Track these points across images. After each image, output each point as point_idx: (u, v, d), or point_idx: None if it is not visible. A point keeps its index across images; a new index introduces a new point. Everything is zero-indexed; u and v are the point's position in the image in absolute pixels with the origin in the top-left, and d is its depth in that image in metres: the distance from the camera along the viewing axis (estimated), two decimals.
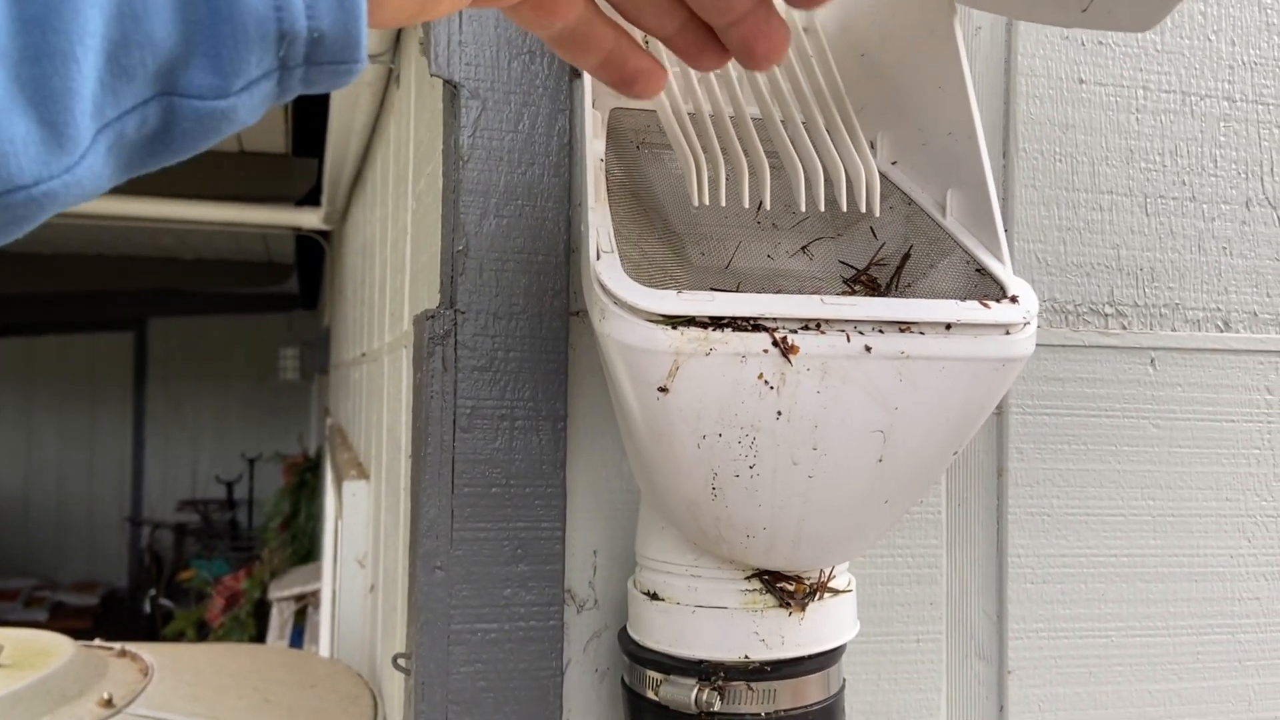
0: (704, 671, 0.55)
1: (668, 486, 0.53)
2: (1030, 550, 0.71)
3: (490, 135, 0.62)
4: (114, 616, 6.28)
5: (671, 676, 0.55)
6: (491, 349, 0.61)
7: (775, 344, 0.48)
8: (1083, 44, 0.72)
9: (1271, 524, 0.75)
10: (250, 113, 0.27)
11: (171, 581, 6.07)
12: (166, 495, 7.15)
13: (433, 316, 0.61)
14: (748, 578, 0.55)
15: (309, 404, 6.18)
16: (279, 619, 3.09)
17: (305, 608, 3.12)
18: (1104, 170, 0.73)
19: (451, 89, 0.62)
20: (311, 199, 3.23)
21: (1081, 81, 0.72)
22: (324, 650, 2.12)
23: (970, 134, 0.57)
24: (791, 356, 0.48)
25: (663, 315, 0.48)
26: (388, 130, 1.59)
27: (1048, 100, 0.72)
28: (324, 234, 3.87)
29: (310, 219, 3.25)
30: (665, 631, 0.56)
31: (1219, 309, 0.75)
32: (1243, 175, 0.75)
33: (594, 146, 0.55)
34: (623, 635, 0.60)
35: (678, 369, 0.48)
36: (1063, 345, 0.72)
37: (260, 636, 3.23)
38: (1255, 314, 0.75)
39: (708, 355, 0.48)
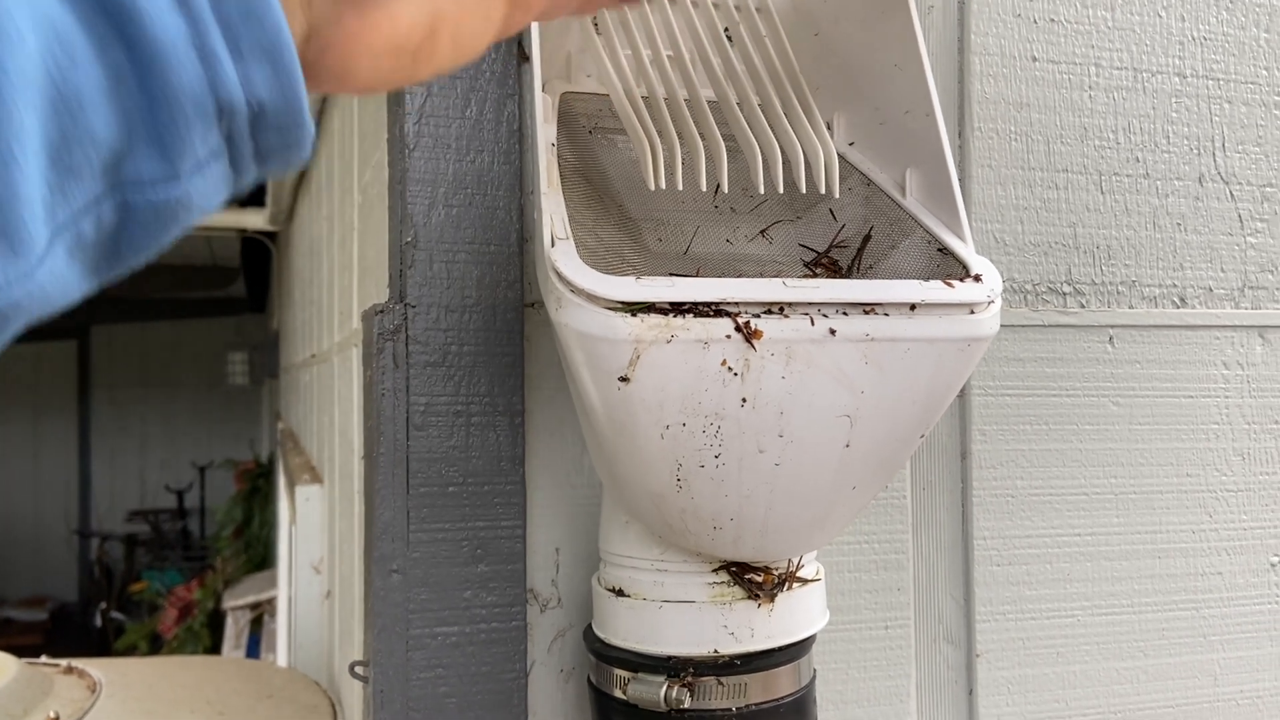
0: (673, 668, 0.53)
1: (631, 479, 0.51)
2: (995, 532, 0.71)
3: (436, 122, 0.60)
4: (64, 631, 6.13)
5: (640, 674, 0.54)
6: (444, 343, 0.59)
7: (738, 329, 0.47)
8: (1035, 22, 0.72)
9: (1232, 498, 0.75)
10: (206, 198, 0.27)
11: (123, 594, 5.94)
12: (115, 506, 6.98)
13: (382, 311, 0.58)
14: (715, 570, 0.54)
15: (260, 409, 6.07)
16: (234, 628, 3.03)
17: (261, 616, 3.06)
18: (1059, 148, 0.72)
19: None
20: (256, 200, 3.16)
21: (1034, 59, 0.72)
22: (281, 659, 2.07)
23: (928, 111, 0.56)
24: (755, 341, 0.47)
25: (622, 302, 0.46)
26: (331, 124, 1.55)
27: (1002, 79, 0.71)
28: (270, 235, 3.79)
29: (255, 220, 3.18)
30: (632, 628, 0.55)
31: (1175, 285, 0.75)
32: (1195, 151, 0.75)
33: (545, 131, 0.53)
34: (588, 634, 0.58)
35: (639, 357, 0.46)
36: (1023, 325, 0.71)
37: (215, 647, 3.17)
38: (1210, 289, 0.76)
39: (669, 342, 0.46)
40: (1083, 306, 0.73)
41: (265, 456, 4.70)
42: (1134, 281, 0.74)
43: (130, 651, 3.71)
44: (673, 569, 0.54)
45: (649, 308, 0.46)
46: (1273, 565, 0.76)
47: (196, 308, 6.36)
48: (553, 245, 0.48)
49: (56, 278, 0.24)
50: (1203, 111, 0.76)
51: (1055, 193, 0.72)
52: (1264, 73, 0.77)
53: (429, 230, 0.59)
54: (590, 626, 0.58)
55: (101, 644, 5.11)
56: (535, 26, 0.53)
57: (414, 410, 0.58)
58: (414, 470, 0.58)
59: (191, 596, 3.39)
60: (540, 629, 0.62)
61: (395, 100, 0.60)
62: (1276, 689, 0.76)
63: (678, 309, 0.47)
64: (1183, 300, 0.75)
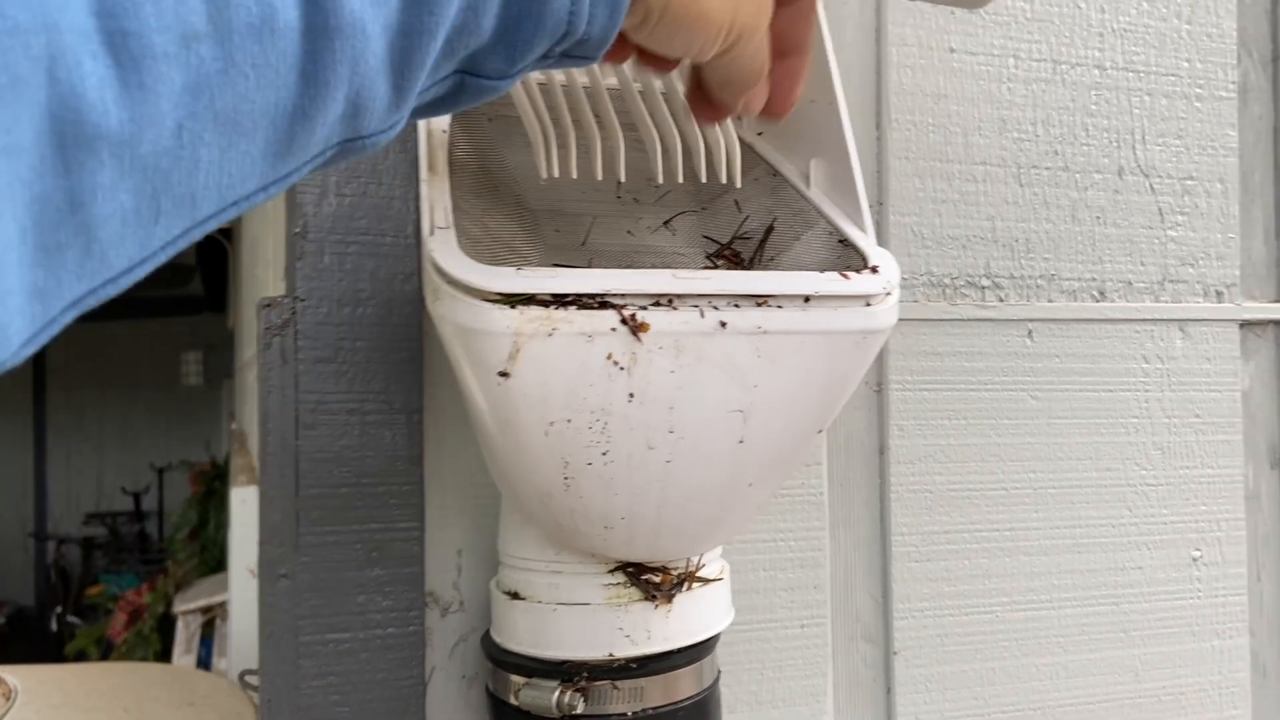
0: (566, 673, 0.51)
1: (519, 478, 0.49)
2: (913, 528, 0.70)
3: None
4: (21, 636, 6.01)
5: (533, 679, 0.52)
6: (336, 339, 0.57)
7: (624, 321, 0.45)
8: (953, 12, 0.71)
9: (1152, 492, 0.75)
10: (510, 85, 0.32)
11: (80, 598, 5.83)
12: (72, 509, 6.85)
13: (269, 305, 0.56)
14: (611, 571, 0.52)
15: (218, 410, 5.97)
16: (185, 632, 2.97)
17: (213, 619, 3.01)
18: (977, 140, 0.71)
19: None
20: None
21: (952, 50, 0.71)
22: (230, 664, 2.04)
23: (830, 100, 0.55)
24: (641, 334, 0.46)
25: (500, 294, 0.44)
26: None
27: (919, 70, 0.70)
28: (226, 233, 3.72)
29: None
30: (527, 632, 0.53)
31: (1094, 279, 0.74)
32: (1114, 144, 0.75)
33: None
34: (485, 639, 0.56)
35: (519, 351, 0.44)
36: (941, 319, 0.70)
37: (166, 651, 3.11)
38: (1130, 283, 0.75)
39: (550, 335, 0.44)
40: (1001, 300, 0.72)
41: (222, 458, 4.63)
42: (1053, 275, 0.73)
43: (79, 657, 3.64)
44: (568, 570, 0.52)
45: (529, 299, 0.45)
46: (1193, 560, 0.76)
47: (154, 307, 6.26)
48: (431, 234, 0.46)
49: (400, 128, 0.30)
50: (1123, 104, 0.75)
51: (973, 185, 0.71)
52: (1185, 65, 0.77)
53: (319, 220, 0.57)
54: (489, 631, 0.56)
55: (58, 649, 5.01)
56: None
57: (303, 408, 0.56)
58: (304, 471, 0.56)
59: (142, 600, 3.33)
60: (441, 634, 0.60)
61: None
62: (1198, 685, 0.76)
63: (560, 301, 0.45)
64: (1102, 294, 0.74)
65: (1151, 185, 0.76)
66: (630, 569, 0.52)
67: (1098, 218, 0.74)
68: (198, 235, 0.24)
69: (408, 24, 0.26)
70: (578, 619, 0.52)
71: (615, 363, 0.46)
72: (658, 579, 0.53)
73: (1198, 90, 0.77)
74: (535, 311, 0.44)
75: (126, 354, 6.79)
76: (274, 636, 0.55)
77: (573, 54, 0.32)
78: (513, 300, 0.44)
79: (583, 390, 0.46)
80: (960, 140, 0.71)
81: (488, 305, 0.44)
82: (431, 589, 0.60)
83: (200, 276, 5.01)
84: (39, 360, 6.80)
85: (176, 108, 0.21)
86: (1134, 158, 0.75)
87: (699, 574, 0.54)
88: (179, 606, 3.03)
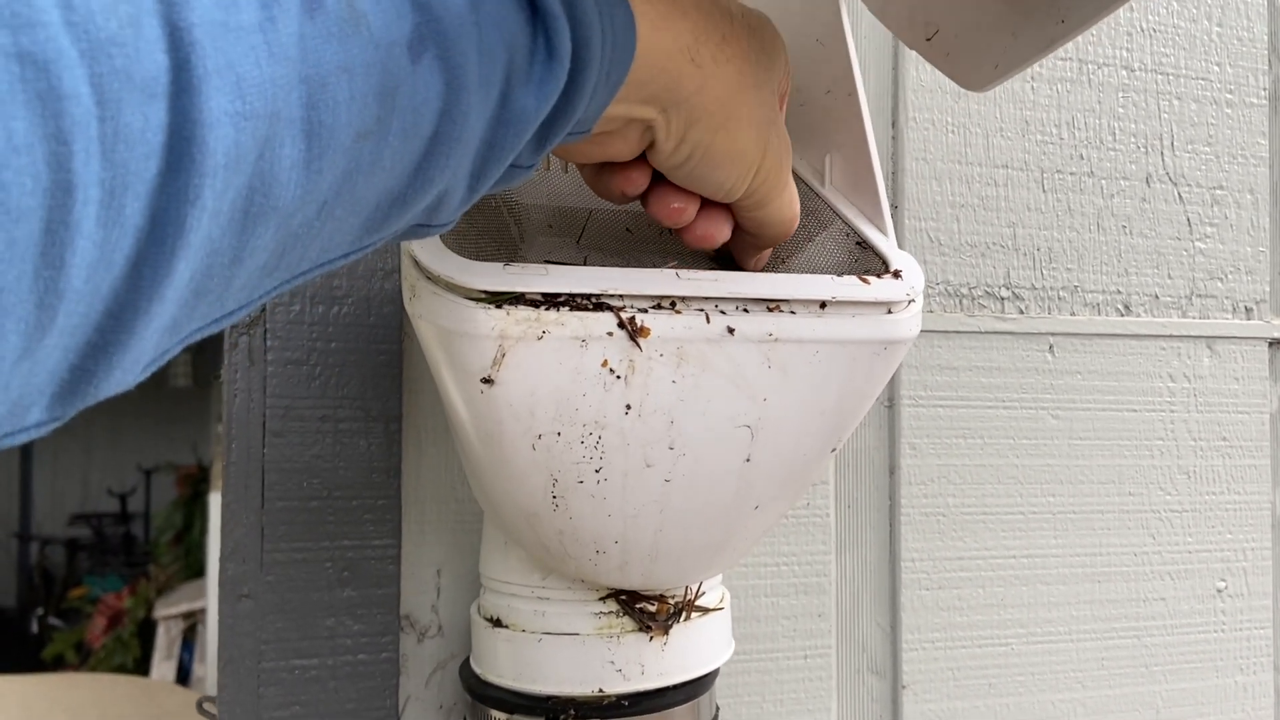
0: (551, 709, 0.47)
1: (502, 496, 0.45)
2: (925, 553, 0.65)
3: None
4: (2, 638, 5.93)
5: (516, 716, 0.48)
6: (309, 339, 0.53)
7: (622, 325, 0.41)
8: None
9: (1176, 519, 0.71)
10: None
11: (62, 600, 5.75)
12: (57, 509, 6.78)
13: None
14: (603, 599, 0.48)
15: (207, 411, 5.91)
16: (166, 638, 2.91)
17: (195, 625, 2.95)
18: (998, 142, 0.67)
19: None
20: None
21: None
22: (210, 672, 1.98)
23: (850, 90, 0.51)
24: (641, 340, 0.41)
25: (485, 292, 0.40)
26: None
27: None
28: None
29: None
30: (509, 663, 0.48)
31: (1119, 291, 0.70)
32: (1142, 149, 0.71)
33: None
34: (464, 668, 0.52)
35: (504, 356, 0.40)
36: (957, 331, 0.66)
37: (145, 658, 3.05)
38: (1157, 296, 0.71)
39: (540, 339, 0.40)
40: (1021, 312, 0.68)
41: (208, 460, 4.57)
42: (1076, 287, 0.69)
43: (57, 661, 3.57)
44: (555, 597, 0.48)
45: (518, 299, 0.40)
46: (1219, 591, 0.72)
47: None
48: None
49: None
50: (1151, 108, 0.71)
51: (994, 190, 0.67)
52: (1215, 69, 0.73)
53: None
54: (468, 659, 0.52)
55: (37, 651, 4.94)
56: None
57: (271, 414, 0.52)
58: (270, 482, 0.51)
59: (121, 605, 3.26)
60: (417, 660, 0.56)
61: None
62: None
63: (551, 301, 0.41)
64: (1127, 308, 0.70)
65: (1180, 194, 0.72)
66: (623, 597, 0.48)
67: (1124, 227, 0.70)
68: (287, 288, 0.27)
69: (495, 140, 0.28)
70: (565, 650, 0.47)
71: (611, 370, 0.41)
72: (653, 608, 0.48)
73: (1228, 96, 0.74)
74: (524, 312, 0.40)
75: None
76: (234, 662, 0.51)
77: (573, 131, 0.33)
78: (499, 299, 0.40)
79: (575, 400, 0.41)
80: (981, 141, 0.67)
81: (471, 304, 0.40)
82: (407, 611, 0.55)
83: None
84: None
85: (329, 189, 0.24)
86: (1162, 164, 0.71)
87: (698, 603, 0.50)
88: (160, 611, 2.97)
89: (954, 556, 0.66)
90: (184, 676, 2.95)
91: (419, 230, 0.31)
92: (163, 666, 2.90)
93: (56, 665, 3.53)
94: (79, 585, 5.47)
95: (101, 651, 3.12)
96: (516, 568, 0.49)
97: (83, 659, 3.31)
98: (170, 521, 4.12)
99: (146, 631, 3.12)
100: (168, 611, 2.94)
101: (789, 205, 0.42)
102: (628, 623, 0.48)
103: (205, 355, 5.14)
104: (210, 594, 1.55)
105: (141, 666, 3.07)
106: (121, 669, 3.08)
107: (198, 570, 3.47)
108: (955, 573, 0.66)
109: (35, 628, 5.46)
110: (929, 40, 0.49)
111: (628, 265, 0.50)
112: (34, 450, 6.79)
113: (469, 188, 0.30)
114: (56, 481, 6.81)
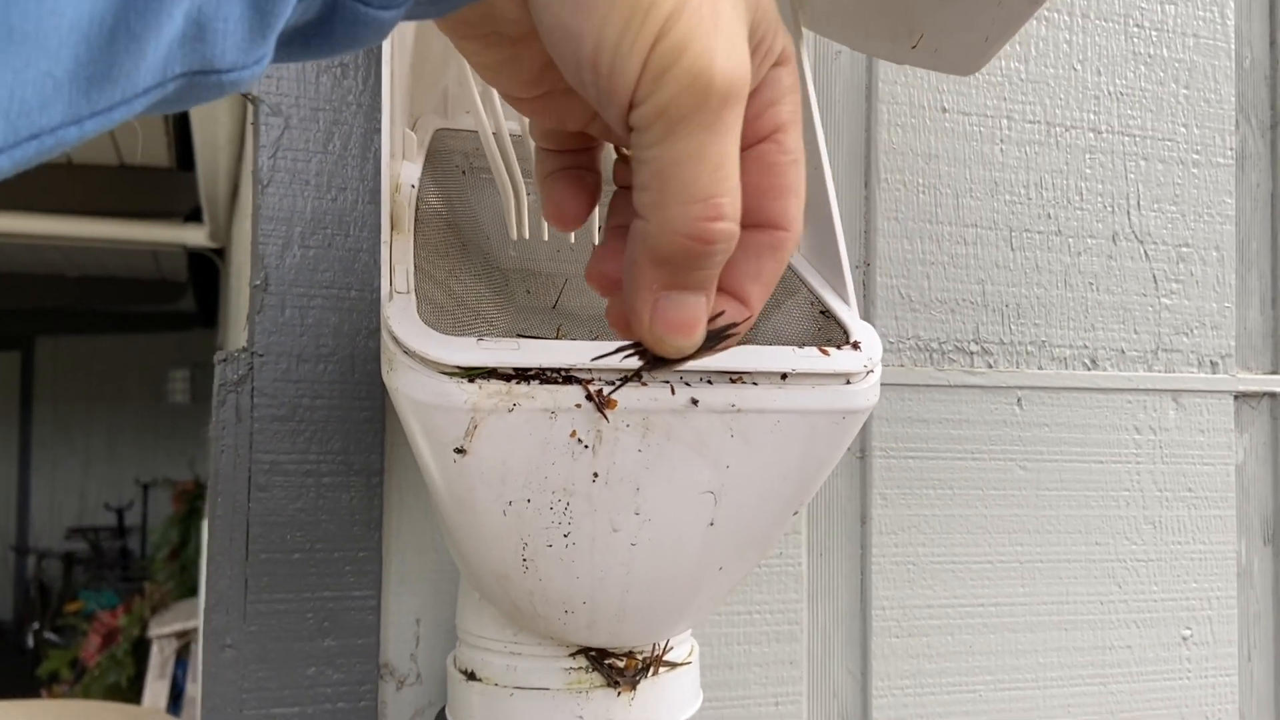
0: None
1: (476, 558, 0.47)
2: (895, 602, 0.67)
3: (295, 156, 0.55)
4: None
5: None
6: (295, 396, 0.55)
7: (589, 397, 0.43)
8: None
9: (1142, 568, 0.73)
10: (394, 22, 0.26)
11: (58, 614, 5.75)
12: (54, 523, 6.78)
13: (226, 360, 0.54)
14: (572, 655, 0.50)
15: (205, 428, 5.92)
16: (159, 657, 2.92)
17: (189, 644, 2.96)
18: (968, 202, 0.70)
19: (251, 104, 0.55)
20: (196, 216, 3.09)
21: (944, 110, 0.69)
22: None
23: (816, 163, 0.53)
24: (608, 411, 0.43)
25: (458, 367, 0.42)
26: (249, 145, 1.50)
27: (910, 129, 0.68)
28: (218, 251, 3.71)
29: (196, 235, 3.10)
30: (483, 715, 0.50)
31: (1086, 346, 0.72)
32: (1109, 209, 0.73)
33: (395, 168, 0.49)
34: (440, 718, 0.53)
35: (477, 427, 0.42)
36: (927, 385, 0.68)
37: (140, 676, 3.05)
38: (1123, 351, 0.73)
39: (511, 411, 0.42)
40: (990, 367, 0.70)
41: (205, 476, 4.58)
42: (1044, 342, 0.71)
43: (52, 679, 3.57)
44: (526, 652, 0.50)
45: (490, 373, 0.42)
46: (1184, 639, 0.73)
47: (144, 322, 6.22)
48: (390, 300, 0.44)
49: (265, 65, 0.24)
50: (1118, 168, 0.73)
51: (964, 248, 0.69)
52: (1182, 130, 0.75)
53: (281, 273, 0.55)
54: (444, 709, 0.53)
55: (33, 667, 4.93)
56: (389, 51, 0.49)
57: (257, 469, 0.53)
58: (254, 535, 0.53)
59: (116, 623, 3.27)
60: (396, 707, 0.57)
61: (252, 132, 0.56)
62: None
63: (522, 375, 0.43)
64: (1094, 362, 0.72)
65: (1146, 252, 0.74)
66: (592, 653, 0.50)
67: (1091, 284, 0.72)
68: None
69: None
70: (535, 704, 0.49)
71: (579, 440, 0.43)
72: (621, 664, 0.50)
73: (1195, 156, 0.76)
74: (495, 386, 0.42)
75: (115, 368, 6.74)
76: (216, 710, 0.52)
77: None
78: (472, 374, 0.42)
79: (544, 469, 0.43)
80: (951, 202, 0.69)
81: (445, 379, 0.42)
82: (387, 660, 0.57)
83: (193, 291, 4.99)
84: (27, 372, 6.74)
85: None
86: (1129, 223, 0.74)
87: (666, 658, 0.51)
88: (154, 630, 2.98)
89: (924, 605, 0.68)
90: (177, 695, 2.96)
91: (208, 81, 0.23)
92: (156, 685, 2.91)
93: (51, 683, 3.53)
94: (75, 600, 5.47)
95: (96, 669, 3.13)
96: (490, 624, 0.51)
97: (77, 676, 3.32)
98: (166, 537, 4.13)
99: (141, 649, 3.12)
100: (161, 630, 2.95)
101: (716, 146, 0.26)
102: (596, 678, 0.49)
103: (204, 372, 5.17)
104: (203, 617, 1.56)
105: (136, 684, 3.08)
106: (116, 687, 3.08)
107: (193, 588, 3.48)
108: (925, 620, 0.68)
109: (31, 643, 5.46)
110: (914, 48, 0.50)
111: (600, 331, 0.52)
112: (32, 463, 6.79)
113: (250, 4, 0.22)
114: (55, 495, 6.81)
